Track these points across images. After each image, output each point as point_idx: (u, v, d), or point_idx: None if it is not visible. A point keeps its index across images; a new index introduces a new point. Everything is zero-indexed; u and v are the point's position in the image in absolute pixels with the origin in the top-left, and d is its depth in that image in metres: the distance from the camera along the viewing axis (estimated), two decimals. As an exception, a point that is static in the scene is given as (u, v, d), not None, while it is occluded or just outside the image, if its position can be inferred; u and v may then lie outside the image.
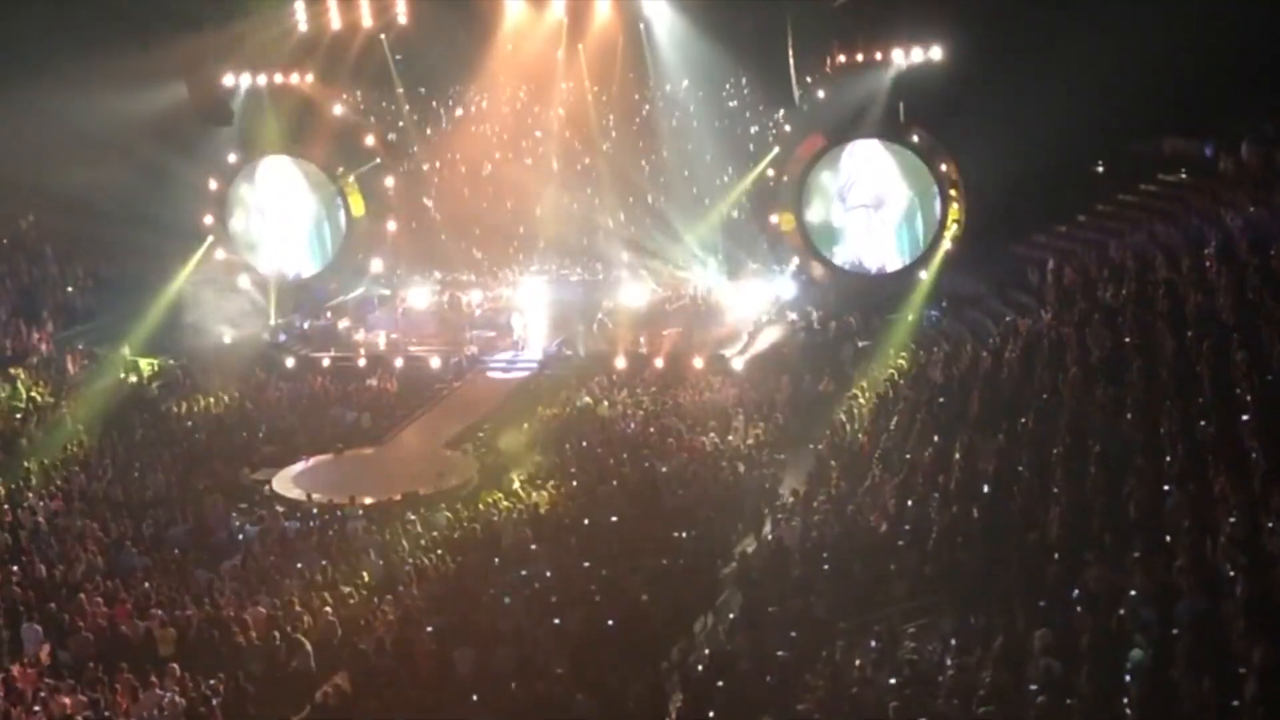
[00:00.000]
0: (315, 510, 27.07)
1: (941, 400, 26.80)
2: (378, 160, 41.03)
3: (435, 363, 36.93)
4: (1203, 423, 19.81)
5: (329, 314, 40.63)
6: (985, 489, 21.37)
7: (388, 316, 40.13)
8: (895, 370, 31.56)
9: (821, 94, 37.91)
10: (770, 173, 38.87)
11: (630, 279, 40.52)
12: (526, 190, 41.57)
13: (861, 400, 30.22)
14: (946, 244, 36.99)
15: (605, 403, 32.61)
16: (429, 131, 41.98)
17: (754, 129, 40.13)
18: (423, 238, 42.30)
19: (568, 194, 41.12)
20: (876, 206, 38.01)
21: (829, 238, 38.44)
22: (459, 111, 41.92)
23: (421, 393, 35.72)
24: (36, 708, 18.79)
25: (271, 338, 38.65)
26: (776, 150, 38.82)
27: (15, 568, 23.60)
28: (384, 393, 35.44)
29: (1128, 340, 24.64)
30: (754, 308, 38.20)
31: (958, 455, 23.23)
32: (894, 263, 38.05)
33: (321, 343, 38.53)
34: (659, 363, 35.03)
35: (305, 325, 39.73)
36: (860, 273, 38.26)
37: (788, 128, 38.81)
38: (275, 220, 41.73)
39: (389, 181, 41.18)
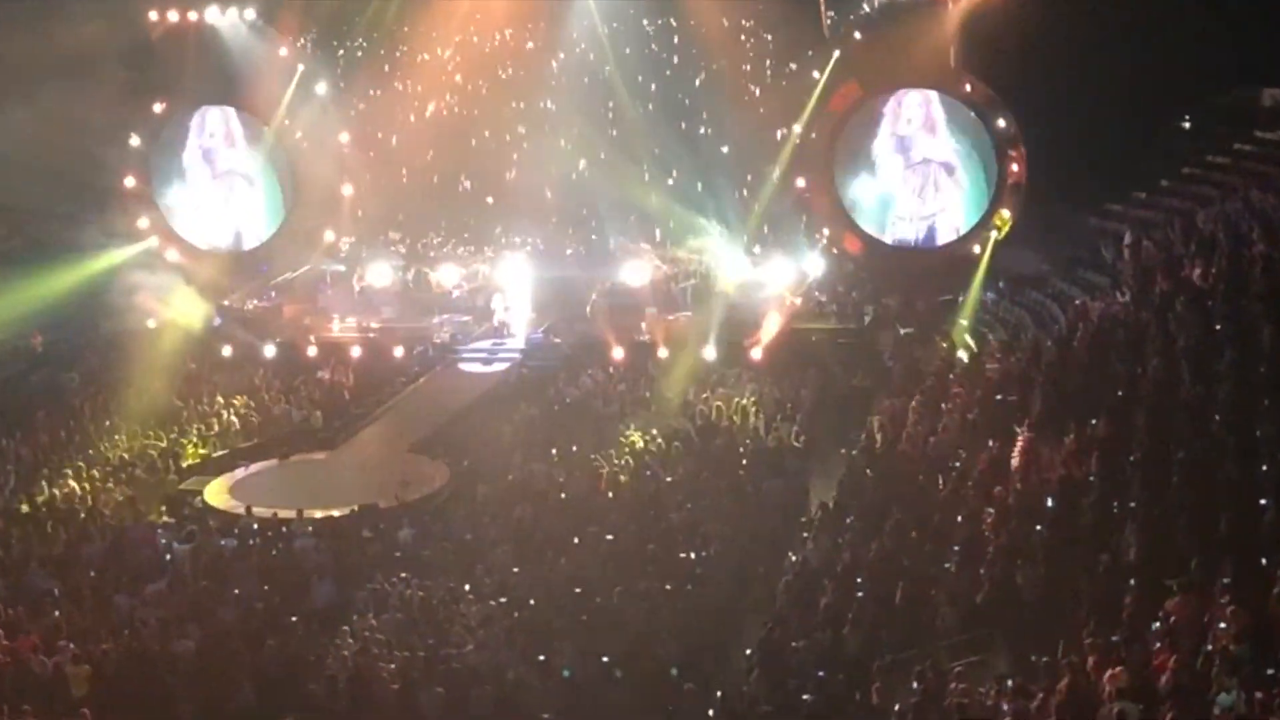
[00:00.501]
0: (256, 526, 27.09)
1: (998, 398, 26.85)
2: (330, 112, 41.06)
3: (399, 352, 37.03)
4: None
5: (273, 294, 40.70)
6: (1049, 502, 21.41)
7: (343, 297, 40.19)
8: (943, 362, 31.61)
9: (859, 36, 38.02)
10: (797, 130, 38.91)
11: (630, 254, 40.58)
12: (505, 148, 41.68)
13: (902, 397, 30.27)
14: (1005, 214, 37.04)
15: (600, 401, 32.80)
16: (396, 84, 42.06)
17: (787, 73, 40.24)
18: (385, 204, 42.34)
19: (553, 151, 41.14)
20: (922, 169, 38.06)
21: (865, 206, 38.48)
22: (425, 56, 41.99)
23: (383, 387, 35.84)
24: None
25: (205, 322, 38.72)
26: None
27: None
28: (338, 387, 35.53)
29: (1218, 327, 24.70)
30: (777, 288, 38.25)
31: (1016, 462, 23.28)
32: (942, 235, 38.10)
33: (264, 328, 38.57)
34: (663, 352, 35.12)
35: (246, 307, 39.83)
36: (902, 247, 38.32)
37: (815, 74, 38.85)
38: (208, 182, 41.74)
39: (344, 137, 41.20)
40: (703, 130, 40.54)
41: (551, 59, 41.06)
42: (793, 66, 39.45)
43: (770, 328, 35.58)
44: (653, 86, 40.89)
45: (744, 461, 28.94)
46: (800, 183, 38.99)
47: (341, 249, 42.00)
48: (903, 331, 34.90)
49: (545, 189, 41.24)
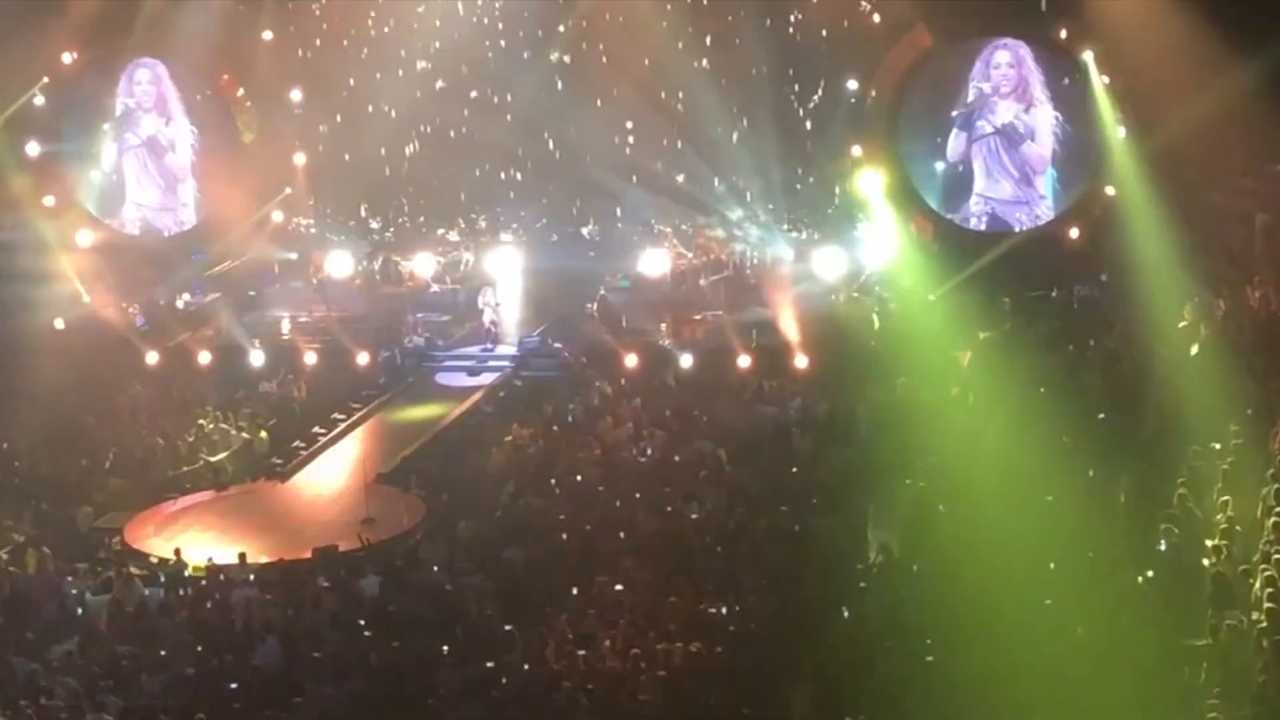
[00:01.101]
0: (187, 573, 27.13)
1: (1101, 416, 26.76)
2: (278, 64, 41.17)
3: (363, 359, 37.11)
4: None
5: (209, 288, 40.75)
6: (1161, 546, 21.31)
7: (294, 291, 40.25)
8: (1030, 371, 31.58)
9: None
10: (852, 87, 38.89)
11: (647, 240, 40.58)
12: (500, 106, 41.83)
13: (979, 413, 30.20)
14: (1109, 191, 36.98)
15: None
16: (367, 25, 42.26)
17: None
18: (346, 177, 42.42)
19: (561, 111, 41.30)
20: (1006, 136, 38.07)
21: (935, 180, 38.48)
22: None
23: (343, 402, 35.93)
24: None
25: (124, 321, 38.79)
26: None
27: None
28: (288, 402, 35.60)
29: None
30: (827, 282, 38.25)
31: (1124, 498, 23.19)
32: (1030, 216, 38.06)
33: (197, 329, 38.63)
34: (687, 360, 35.11)
35: (176, 303, 39.89)
36: (980, 231, 38.28)
37: (876, 17, 38.90)
38: (131, 151, 41.82)
39: (295, 95, 41.23)
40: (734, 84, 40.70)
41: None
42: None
43: (819, 330, 35.51)
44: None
45: (787, 494, 28.85)
46: (857, 151, 38.94)
47: (294, 232, 42.03)
48: (982, 335, 34.84)
49: (542, 157, 41.41)
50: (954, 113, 38.34)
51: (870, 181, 39.14)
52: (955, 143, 38.49)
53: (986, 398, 31.38)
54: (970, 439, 29.46)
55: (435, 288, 40.66)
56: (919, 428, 31.56)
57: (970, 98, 38.26)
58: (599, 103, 41.74)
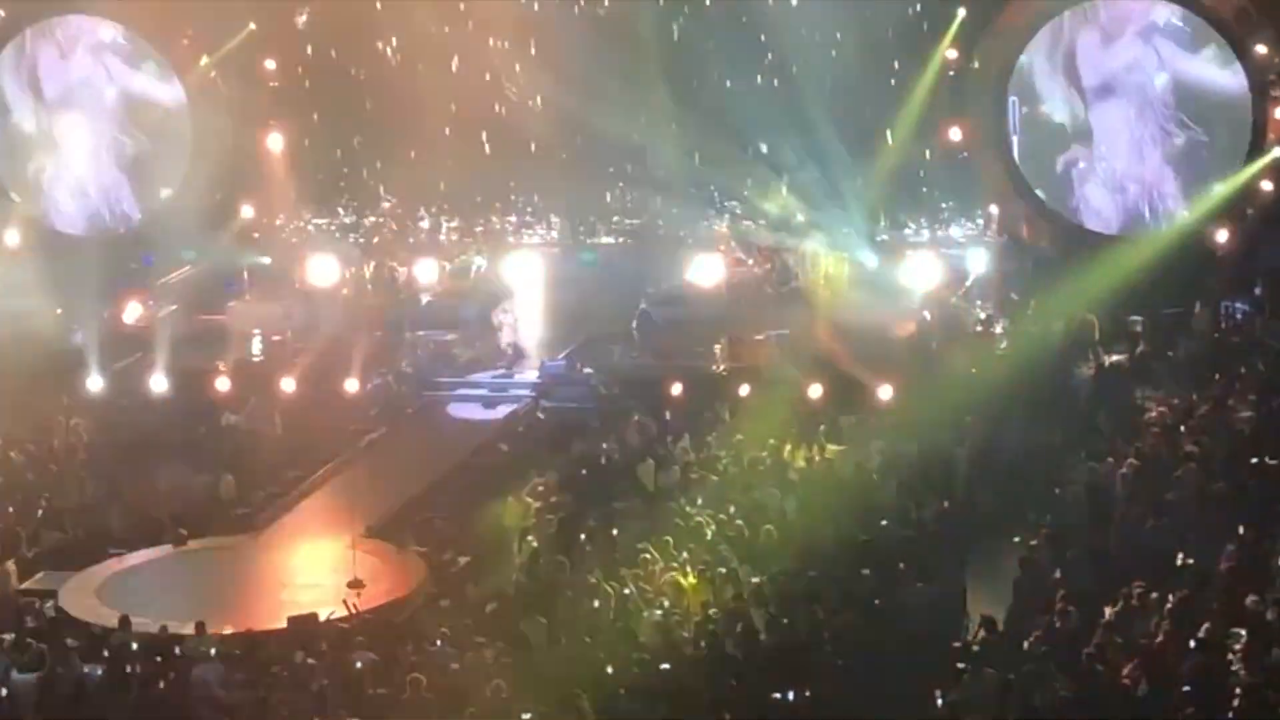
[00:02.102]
0: (136, 646, 27.15)
1: (1254, 461, 26.61)
2: (252, 28, 41.35)
3: (351, 386, 37.20)
4: None
5: (163, 299, 40.90)
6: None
7: (268, 303, 40.34)
8: (1170, 407, 31.43)
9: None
10: (950, 56, 38.91)
11: (698, 243, 40.62)
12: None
13: (1110, 459, 30.10)
14: (1266, 185, 36.88)
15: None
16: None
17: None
18: (330, 164, 42.54)
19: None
20: (1137, 117, 38.01)
21: (1052, 169, 38.41)
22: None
23: (326, 439, 36.00)
24: None
25: (61, 340, 38.91)
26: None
27: None
28: (258, 439, 35.67)
29: None
30: (918, 295, 38.20)
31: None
32: (1165, 215, 37.98)
33: (150, 350, 38.75)
34: (745, 389, 35.15)
35: (123, 317, 40.06)
36: (1107, 232, 38.22)
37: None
38: (72, 131, 42.05)
39: (270, 64, 41.42)
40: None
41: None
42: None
43: (907, 353, 35.44)
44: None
45: (869, 555, 28.76)
46: (955, 134, 38.94)
47: (267, 231, 42.16)
48: (1109, 360, 34.72)
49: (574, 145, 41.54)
50: (1065, 82, 38.21)
51: (971, 170, 39.06)
52: (1071, 120, 38.34)
53: (1113, 437, 31.29)
54: (1094, 488, 29.37)
55: (435, 298, 40.60)
56: (1031, 475, 31.51)
57: (1086, 65, 38.11)
58: (635, 72, 41.79)
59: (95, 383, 37.21)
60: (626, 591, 27.37)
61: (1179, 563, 24.73)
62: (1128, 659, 22.30)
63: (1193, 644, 22.19)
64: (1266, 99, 36.76)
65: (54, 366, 37.89)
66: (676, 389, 35.48)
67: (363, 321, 39.86)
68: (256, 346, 39.23)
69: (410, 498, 33.37)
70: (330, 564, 30.41)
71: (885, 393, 34.58)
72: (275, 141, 41.38)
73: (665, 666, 24.85)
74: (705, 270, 39.40)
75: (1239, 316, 35.76)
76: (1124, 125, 38.39)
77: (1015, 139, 38.80)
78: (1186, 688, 21.32)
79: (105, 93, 42.37)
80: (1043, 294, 37.54)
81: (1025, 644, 23.89)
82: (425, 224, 43.32)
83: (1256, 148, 37.03)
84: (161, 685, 25.68)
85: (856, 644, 25.55)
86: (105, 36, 42.16)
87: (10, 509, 32.44)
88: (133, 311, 40.52)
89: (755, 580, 27.74)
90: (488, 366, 38.73)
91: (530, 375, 38.10)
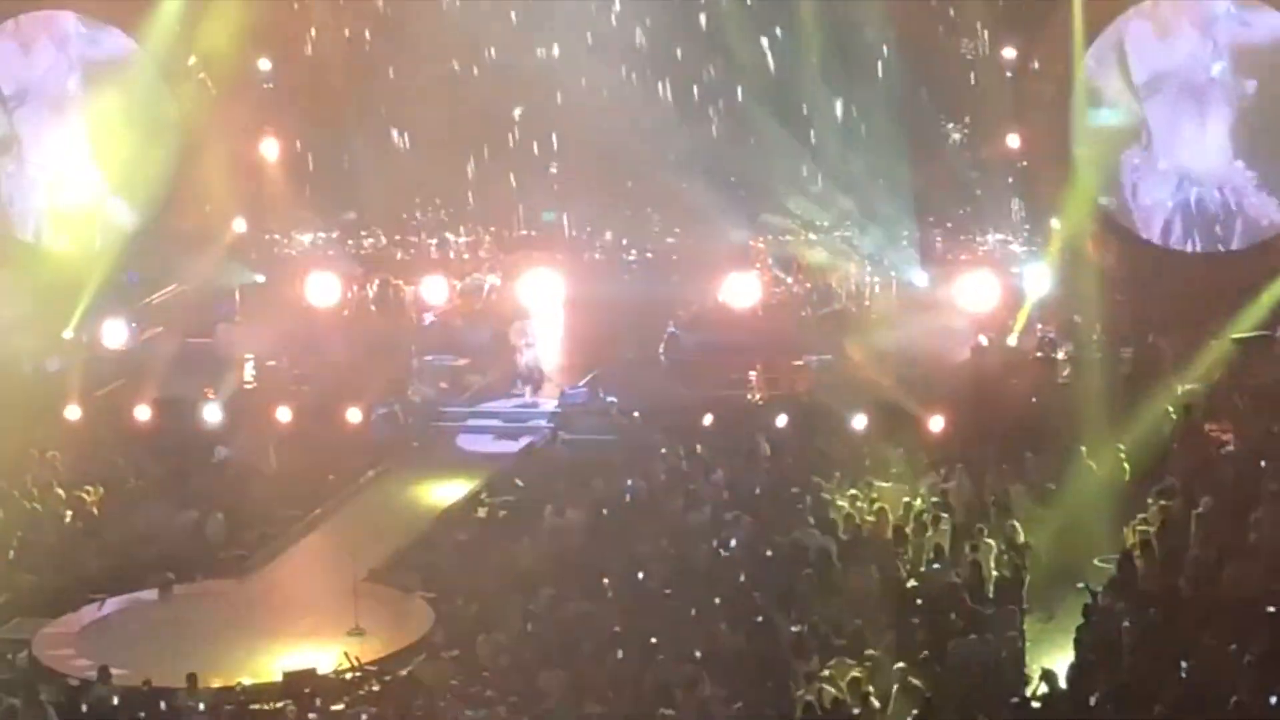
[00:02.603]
0: (117, 700, 27.28)
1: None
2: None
3: (354, 416, 37.32)
4: None
5: (147, 320, 41.08)
6: None
7: (262, 325, 40.49)
8: (1245, 441, 31.45)
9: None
10: (1009, 54, 39.02)
11: (732, 260, 40.70)
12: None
13: (1182, 498, 30.12)
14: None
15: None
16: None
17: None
18: (330, 173, 42.70)
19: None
20: (1215, 117, 38.10)
21: (1120, 176, 38.54)
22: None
23: (325, 475, 36.11)
24: None
25: (34, 367, 39.07)
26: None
27: None
28: (251, 474, 35.78)
29: None
30: (973, 318, 38.24)
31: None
32: (1250, 228, 38.05)
33: (133, 377, 38.86)
34: (783, 420, 35.23)
35: (103, 341, 40.22)
36: (1179, 247, 38.29)
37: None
38: (39, 137, 42.30)
39: (263, 64, 41.61)
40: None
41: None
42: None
43: (961, 382, 35.49)
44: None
45: (918, 602, 28.82)
46: (1012, 141, 39.02)
47: (260, 247, 42.31)
48: (1182, 389, 34.79)
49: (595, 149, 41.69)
50: (1137, 80, 38.35)
51: (1031, 181, 39.13)
52: (1144, 124, 38.44)
53: (1186, 474, 31.30)
54: (1165, 530, 29.37)
55: (442, 320, 40.74)
56: (1095, 515, 31.52)
57: (1161, 58, 38.24)
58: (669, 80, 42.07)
59: (73, 412, 37.26)
60: (652, 643, 27.47)
61: (1260, 612, 24.70)
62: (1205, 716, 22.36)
63: (1274, 700, 22.26)
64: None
65: (28, 393, 37.95)
66: (708, 419, 35.58)
67: (365, 345, 39.92)
68: (249, 373, 39.29)
69: (416, 538, 33.41)
70: (329, 611, 30.44)
71: (936, 424, 34.66)
72: (270, 148, 41.49)
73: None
74: (739, 290, 39.48)
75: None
76: (1200, 129, 38.44)
77: (1078, 146, 38.76)
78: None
79: (71, 89, 42.51)
80: (1109, 316, 37.51)
81: (1090, 701, 23.95)
82: (433, 239, 43.28)
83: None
84: (148, 745, 25.85)
85: (905, 701, 25.64)
86: (74, 24, 42.36)
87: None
88: (114, 334, 40.58)
89: (795, 630, 27.83)
90: (501, 395, 38.73)
91: (548, 404, 38.18)
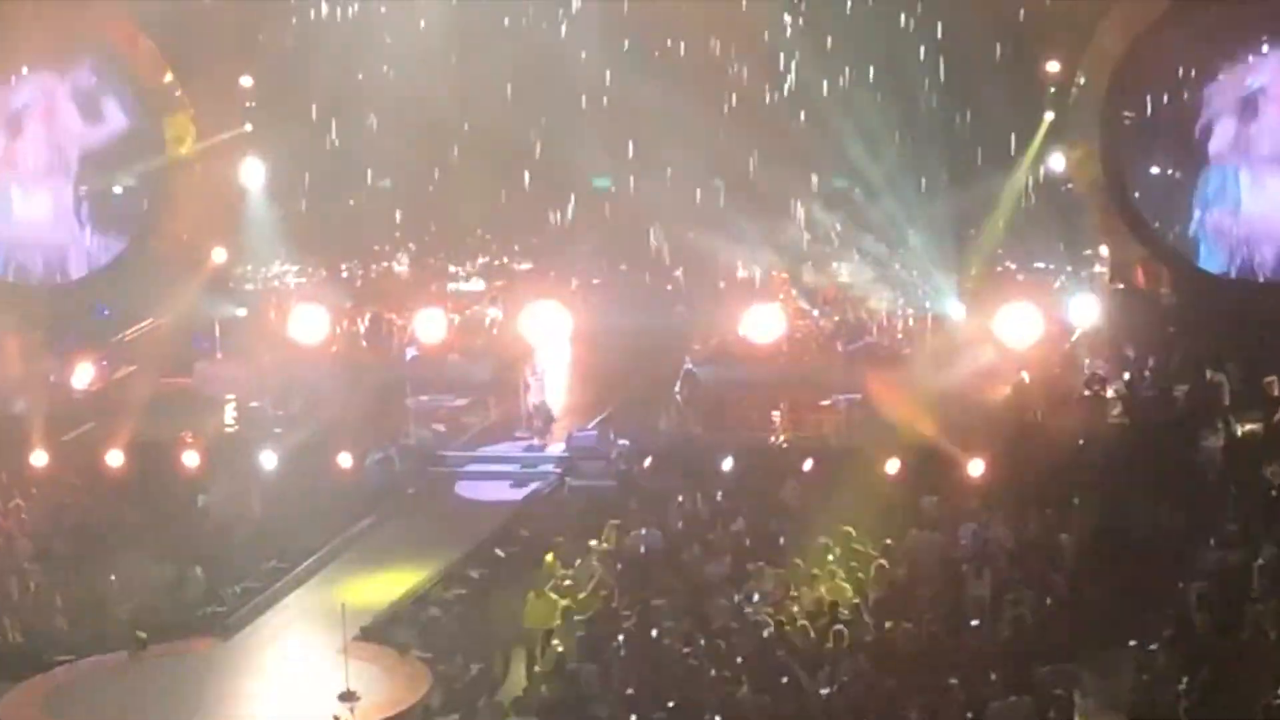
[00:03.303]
0: (86, 774, 27.23)
1: None
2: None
3: (345, 461, 37.24)
4: None
5: (120, 358, 41.03)
6: None
7: (242, 363, 40.48)
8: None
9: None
10: (1052, 70, 39.14)
11: (754, 292, 40.75)
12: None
13: (1244, 547, 30.02)
14: None
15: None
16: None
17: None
18: (321, 199, 42.81)
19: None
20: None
21: (1175, 206, 38.57)
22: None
23: (313, 525, 35.89)
24: None
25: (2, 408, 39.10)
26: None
27: None
28: (232, 524, 35.63)
29: None
30: (1014, 351, 38.21)
31: None
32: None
33: (104, 420, 38.87)
34: (808, 466, 35.13)
35: (73, 380, 40.17)
36: (1245, 278, 38.37)
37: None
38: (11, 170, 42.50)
39: (245, 80, 41.73)
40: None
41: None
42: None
43: (1002, 422, 35.46)
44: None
45: (958, 661, 28.72)
46: (1059, 165, 39.09)
47: (243, 278, 42.37)
48: (1241, 429, 34.70)
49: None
50: (1209, 104, 38.44)
51: (1078, 204, 39.17)
52: (1202, 151, 38.53)
53: (1247, 521, 31.23)
54: (1224, 582, 29.30)
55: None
56: (1149, 566, 31.42)
57: (1224, 88, 38.33)
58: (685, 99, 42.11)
59: (39, 458, 37.20)
60: (669, 707, 27.38)
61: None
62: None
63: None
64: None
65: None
66: (728, 464, 35.44)
67: (357, 384, 39.86)
68: (230, 414, 39.16)
69: (412, 593, 33.17)
70: (318, 673, 30.09)
71: (976, 468, 34.49)
72: (253, 172, 41.53)
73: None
74: (761, 323, 39.36)
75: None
76: (1262, 161, 38.56)
77: (1129, 168, 38.79)
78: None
79: (48, 112, 42.65)
80: (1162, 350, 37.49)
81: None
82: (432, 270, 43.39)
83: None
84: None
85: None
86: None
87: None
88: (84, 373, 40.53)
89: (824, 691, 27.73)
90: (504, 437, 38.64)
91: (555, 448, 38.00)
